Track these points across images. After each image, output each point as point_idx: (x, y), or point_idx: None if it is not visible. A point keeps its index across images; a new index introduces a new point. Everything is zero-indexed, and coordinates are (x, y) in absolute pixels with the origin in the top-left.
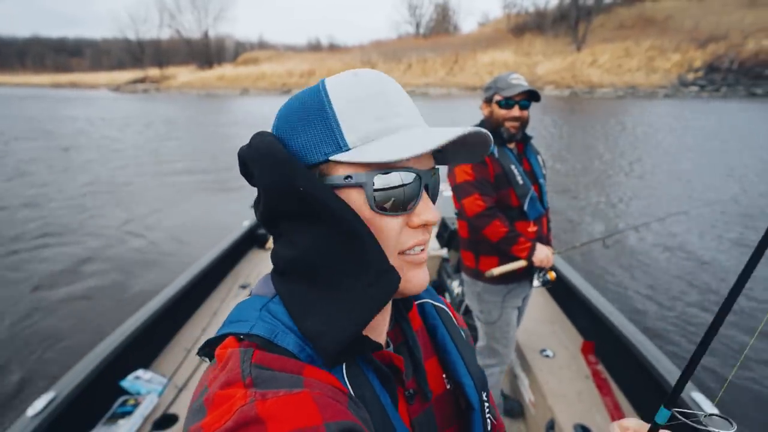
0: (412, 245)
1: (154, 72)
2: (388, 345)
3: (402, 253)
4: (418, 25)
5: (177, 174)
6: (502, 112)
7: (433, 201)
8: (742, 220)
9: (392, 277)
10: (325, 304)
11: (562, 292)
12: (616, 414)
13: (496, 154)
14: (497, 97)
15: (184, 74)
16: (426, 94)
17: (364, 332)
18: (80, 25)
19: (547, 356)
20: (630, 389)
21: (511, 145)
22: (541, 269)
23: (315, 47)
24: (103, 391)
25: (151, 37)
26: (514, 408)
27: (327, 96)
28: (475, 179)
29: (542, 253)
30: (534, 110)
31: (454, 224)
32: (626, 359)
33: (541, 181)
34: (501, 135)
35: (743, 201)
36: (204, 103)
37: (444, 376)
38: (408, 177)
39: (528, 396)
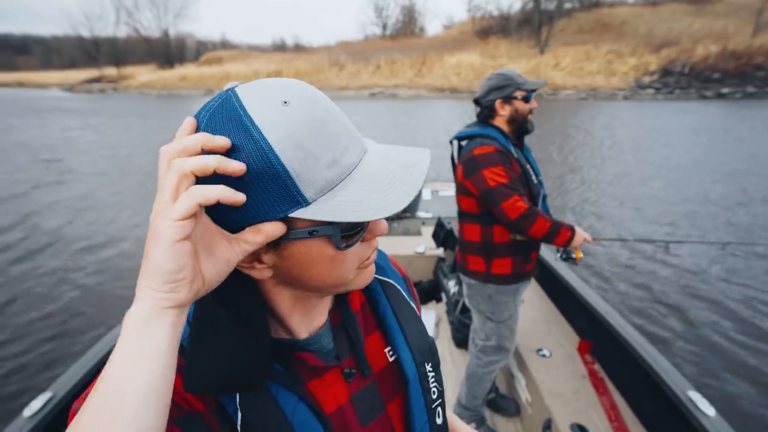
0: (369, 255)
1: (110, 71)
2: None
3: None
4: (384, 27)
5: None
6: (527, 106)
7: None
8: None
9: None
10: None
11: (558, 291)
12: (613, 413)
13: (515, 154)
14: (520, 93)
15: (144, 74)
16: (395, 95)
17: (287, 323)
18: (26, 21)
19: (544, 355)
20: (627, 388)
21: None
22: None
23: (280, 47)
24: None
25: (106, 34)
26: (511, 407)
27: (273, 151)
28: (509, 180)
29: (580, 238)
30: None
31: (449, 224)
32: (623, 358)
33: (541, 178)
34: (527, 130)
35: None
36: (167, 104)
37: (388, 349)
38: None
39: (525, 395)
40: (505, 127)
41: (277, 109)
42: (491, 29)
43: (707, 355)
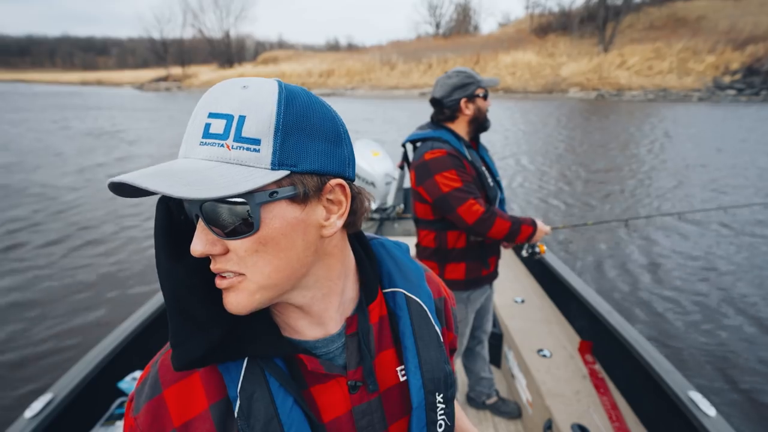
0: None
1: (176, 71)
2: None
3: None
4: (438, 26)
5: None
6: (486, 104)
7: (230, 231)
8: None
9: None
10: None
11: (558, 291)
12: (614, 413)
13: (468, 157)
14: (481, 90)
15: (206, 73)
16: None
17: (288, 328)
18: (107, 25)
19: (545, 356)
20: (628, 389)
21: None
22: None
23: (333, 47)
24: (101, 393)
25: (174, 36)
26: (512, 408)
27: None
28: (464, 184)
29: (542, 232)
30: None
31: None
32: (624, 358)
33: (499, 179)
34: (485, 127)
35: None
36: None
37: (400, 368)
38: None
39: (525, 396)
40: (465, 127)
41: None
42: (550, 26)
43: (708, 355)
